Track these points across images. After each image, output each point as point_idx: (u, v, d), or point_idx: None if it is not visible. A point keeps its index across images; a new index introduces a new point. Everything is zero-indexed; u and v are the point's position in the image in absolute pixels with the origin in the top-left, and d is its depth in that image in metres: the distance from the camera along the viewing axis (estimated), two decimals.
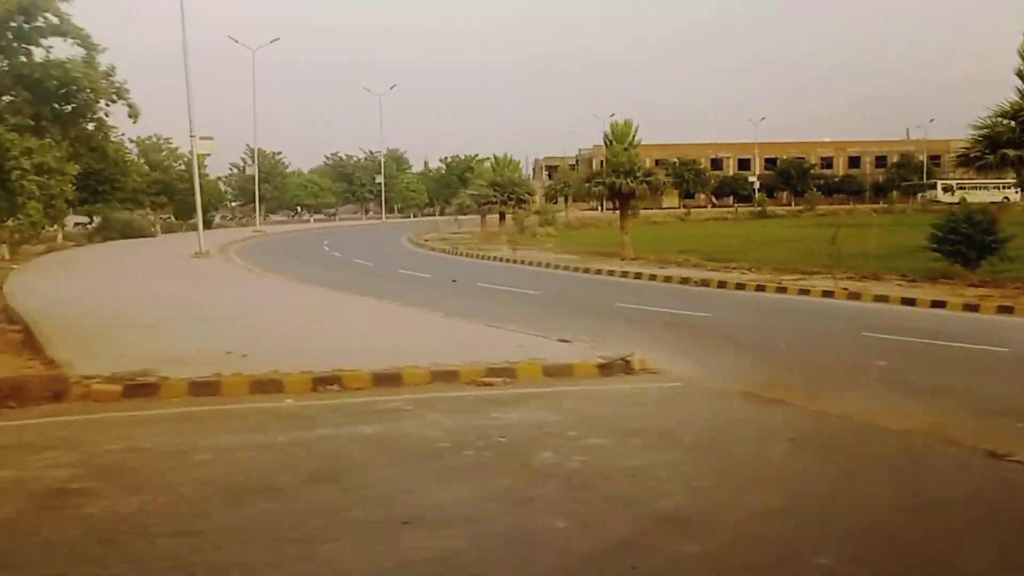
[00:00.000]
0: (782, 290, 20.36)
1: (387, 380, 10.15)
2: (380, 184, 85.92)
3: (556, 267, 28.85)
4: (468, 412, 8.93)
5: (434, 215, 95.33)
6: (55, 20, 11.48)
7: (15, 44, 11.54)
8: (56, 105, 12.10)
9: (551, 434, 8.00)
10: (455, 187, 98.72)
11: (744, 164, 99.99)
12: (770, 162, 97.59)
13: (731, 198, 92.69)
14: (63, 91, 11.95)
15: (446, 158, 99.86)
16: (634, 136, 31.32)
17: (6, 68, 11.67)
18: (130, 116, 12.17)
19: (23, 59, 11.70)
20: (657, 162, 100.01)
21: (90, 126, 12.53)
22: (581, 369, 10.59)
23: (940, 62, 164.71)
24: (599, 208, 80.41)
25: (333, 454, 7.51)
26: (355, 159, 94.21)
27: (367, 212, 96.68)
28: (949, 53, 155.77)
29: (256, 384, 9.94)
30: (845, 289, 19.41)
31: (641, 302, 18.65)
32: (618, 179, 29.74)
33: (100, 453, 7.56)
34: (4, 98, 11.46)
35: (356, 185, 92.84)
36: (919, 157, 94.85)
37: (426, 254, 39.07)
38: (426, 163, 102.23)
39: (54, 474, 6.93)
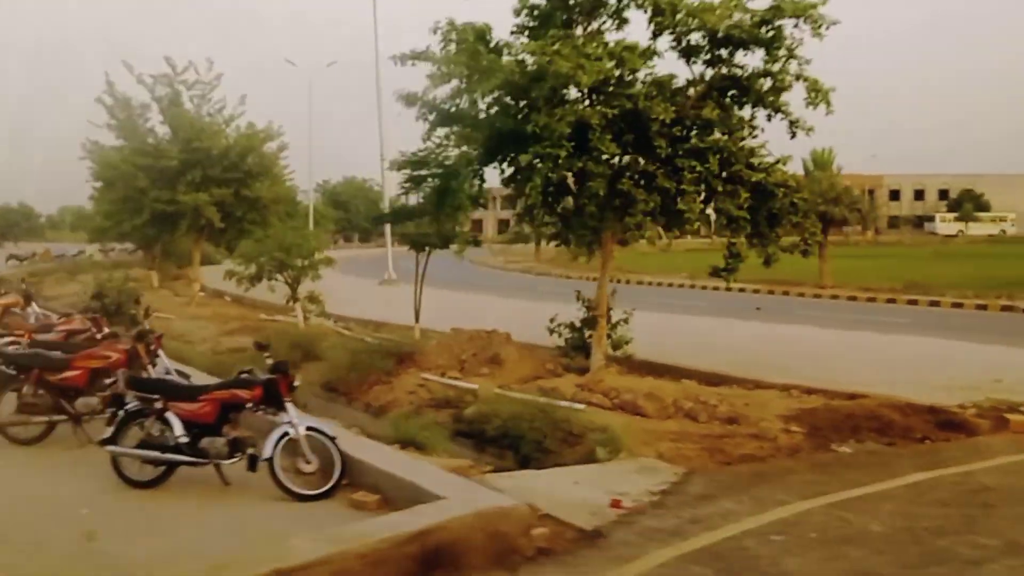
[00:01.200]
0: None
1: None
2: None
3: (773, 293, 28.40)
4: None
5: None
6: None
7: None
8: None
9: None
10: None
11: None
12: None
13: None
14: None
15: None
16: (833, 164, 31.60)
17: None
18: (795, 127, 11.22)
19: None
20: None
21: None
22: None
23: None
24: None
25: None
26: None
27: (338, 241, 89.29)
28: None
29: None
30: None
31: None
32: (828, 207, 29.76)
33: None
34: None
35: (352, 212, 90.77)
36: (855, 192, 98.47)
37: (574, 283, 38.03)
38: None
39: None
